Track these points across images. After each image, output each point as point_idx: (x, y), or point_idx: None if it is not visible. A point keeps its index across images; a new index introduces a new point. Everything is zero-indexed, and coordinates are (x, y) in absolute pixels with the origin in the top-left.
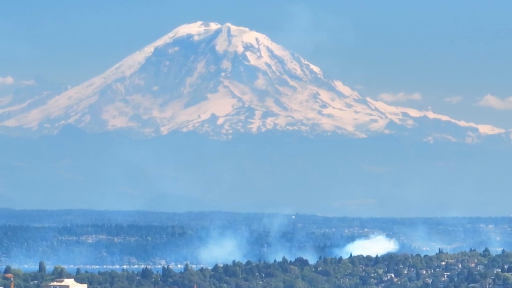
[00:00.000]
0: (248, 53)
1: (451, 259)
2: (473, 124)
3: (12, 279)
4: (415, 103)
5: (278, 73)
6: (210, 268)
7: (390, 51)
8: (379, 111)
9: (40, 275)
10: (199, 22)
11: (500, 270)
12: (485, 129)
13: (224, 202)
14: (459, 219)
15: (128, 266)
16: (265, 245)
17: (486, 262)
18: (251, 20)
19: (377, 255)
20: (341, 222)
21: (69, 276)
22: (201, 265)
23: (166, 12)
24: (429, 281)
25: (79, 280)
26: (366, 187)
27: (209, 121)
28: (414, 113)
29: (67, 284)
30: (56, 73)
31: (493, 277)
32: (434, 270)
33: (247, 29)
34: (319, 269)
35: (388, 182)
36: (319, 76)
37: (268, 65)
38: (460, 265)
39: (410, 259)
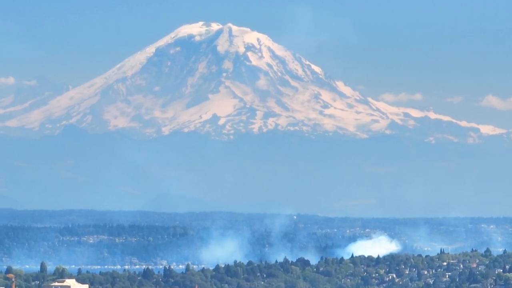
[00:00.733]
0: (249, 54)
1: (453, 260)
2: (474, 125)
3: (13, 279)
4: (416, 104)
5: (279, 74)
6: (211, 268)
7: (392, 52)
8: (380, 112)
9: (42, 275)
10: (201, 23)
11: (501, 270)
12: (487, 129)
13: (225, 203)
14: (461, 220)
15: (129, 266)
16: (267, 246)
17: (487, 262)
18: (253, 21)
19: (378, 256)
20: (343, 222)
21: (70, 276)
22: (203, 266)
23: (168, 13)
24: (431, 281)
25: (80, 280)
26: (367, 188)
27: (211, 121)
28: (415, 113)
29: (68, 284)
30: (58, 73)
31: (494, 278)
32: (436, 270)
33: (248, 29)
34: (320, 269)
35: (390, 183)
36: (320, 76)
37: (270, 66)
38: (461, 266)
39: (412, 260)
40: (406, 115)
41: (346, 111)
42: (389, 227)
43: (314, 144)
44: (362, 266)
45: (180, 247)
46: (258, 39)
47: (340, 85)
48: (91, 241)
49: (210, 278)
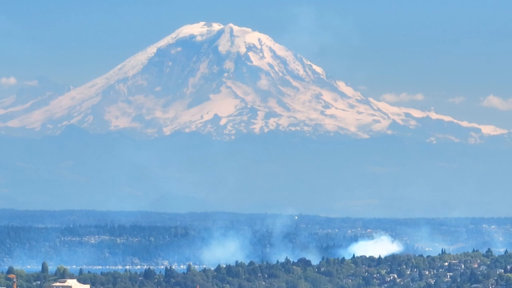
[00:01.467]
0: (250, 54)
1: (454, 260)
2: (475, 125)
3: (15, 279)
4: (418, 104)
5: (280, 74)
6: (212, 268)
7: (393, 52)
8: (382, 112)
9: (43, 275)
10: (202, 23)
11: (503, 270)
12: (488, 129)
13: (227, 203)
14: (462, 220)
15: (130, 266)
16: (268, 246)
17: (489, 262)
18: (254, 21)
19: (380, 256)
20: (344, 222)
21: (71, 276)
22: (204, 266)
23: (169, 13)
24: (432, 281)
25: (81, 280)
26: (369, 188)
27: (212, 121)
28: (416, 113)
29: (69, 284)
30: (59, 73)
31: (495, 278)
32: (437, 270)
33: (249, 29)
34: (322, 269)
35: (391, 183)
36: (321, 76)
37: (271, 66)
38: (463, 266)
39: (413, 260)
40: (408, 115)
41: (347, 111)
42: (391, 227)
43: (316, 144)
44: (364, 266)
45: (182, 247)
46: (259, 39)
47: (342, 85)
48: (92, 242)
49: (212, 278)
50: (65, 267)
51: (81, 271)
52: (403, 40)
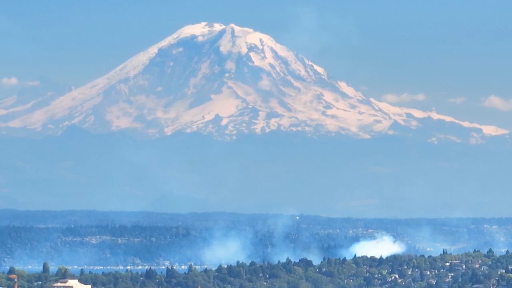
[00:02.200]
0: (252, 54)
1: (455, 260)
2: (477, 125)
3: (16, 280)
4: (419, 104)
5: (282, 74)
6: (214, 269)
7: (394, 52)
8: (383, 112)
9: (44, 276)
10: (203, 23)
11: (504, 271)
12: (489, 129)
13: (228, 203)
14: (463, 220)
15: (132, 267)
16: (269, 246)
17: (490, 262)
18: (255, 21)
19: (381, 256)
20: (345, 223)
21: (73, 277)
22: (205, 266)
23: (170, 13)
24: (433, 282)
25: (83, 281)
26: (370, 188)
27: (213, 122)
28: (418, 114)
29: (71, 285)
30: (60, 74)
31: (497, 278)
32: (438, 271)
33: (251, 30)
34: (323, 270)
35: (392, 183)
36: (323, 77)
37: (272, 66)
38: (464, 266)
39: (414, 260)
40: (409, 115)
41: (348, 112)
42: (392, 227)
43: (317, 145)
44: (365, 266)
45: (183, 247)
46: (260, 40)
47: (343, 86)
48: (93, 242)
49: (213, 278)
50: (66, 267)
51: (82, 271)
52: (404, 40)
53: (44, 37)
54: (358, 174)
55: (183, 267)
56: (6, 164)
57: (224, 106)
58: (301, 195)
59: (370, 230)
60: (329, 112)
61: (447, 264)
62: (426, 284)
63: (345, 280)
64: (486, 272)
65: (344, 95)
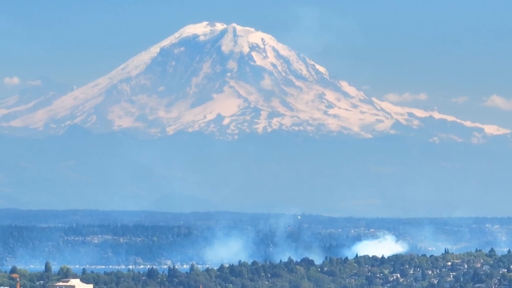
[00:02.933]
0: (253, 53)
1: (457, 259)
2: (479, 125)
3: (18, 279)
4: (421, 103)
5: (283, 74)
6: (216, 268)
7: (396, 52)
8: (385, 112)
9: (46, 275)
10: (205, 22)
11: (506, 270)
12: (491, 129)
13: (230, 202)
14: (465, 219)
15: (134, 266)
16: (271, 245)
17: (492, 262)
18: (257, 21)
19: (383, 256)
20: (347, 222)
21: (75, 276)
22: (207, 265)
23: (172, 12)
24: (435, 281)
25: (85, 280)
26: (371, 187)
27: (215, 121)
28: (420, 113)
29: (73, 284)
30: (62, 73)
31: (498, 277)
32: (440, 270)
33: (252, 29)
34: (325, 269)
35: (394, 183)
36: (324, 76)
37: (274, 65)
38: (466, 265)
39: (416, 259)
40: (411, 115)
41: (350, 111)
42: (394, 227)
43: (319, 144)
44: (367, 266)
45: (185, 247)
46: (262, 39)
47: (345, 85)
48: (95, 241)
49: (215, 278)
50: (68, 266)
51: (84, 270)
52: (406, 40)
53: (46, 37)
54: (360, 173)
55: (185, 266)
56: (8, 164)
57: (226, 106)
58: (303, 194)
59: (372, 230)
60: (331, 111)
61: (449, 263)
62: (427, 283)
63: (347, 280)
64: (488, 271)
65: (346, 95)
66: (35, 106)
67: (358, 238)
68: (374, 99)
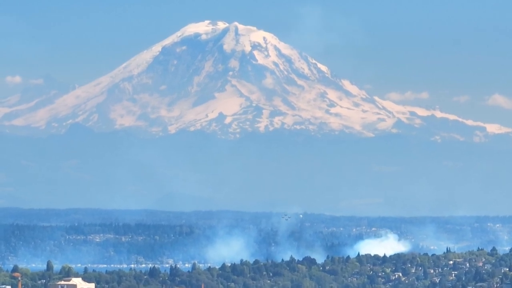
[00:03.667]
0: (255, 52)
1: (459, 258)
2: (480, 123)
3: (19, 278)
4: (422, 102)
5: (285, 72)
6: (217, 267)
7: (398, 51)
8: (386, 110)
9: (48, 274)
10: (207, 21)
11: (507, 269)
12: (493, 128)
13: (231, 201)
14: (467, 218)
15: (135, 265)
16: (273, 244)
17: (493, 261)
18: (259, 19)
19: (384, 254)
20: (349, 221)
21: (76, 275)
22: (209, 264)
23: (174, 11)
24: (437, 280)
25: (86, 279)
26: (373, 186)
27: (217, 120)
28: (421, 112)
29: (74, 283)
30: (64, 72)
31: (500, 276)
32: (442, 269)
33: (254, 28)
34: (326, 268)
35: (396, 181)
36: (326, 75)
37: (276, 64)
38: (467, 264)
39: (418, 258)
40: (412, 114)
41: (352, 110)
42: (396, 225)
43: (320, 143)
44: (368, 265)
45: (186, 246)
46: (264, 38)
47: (346, 84)
48: (97, 240)
49: (216, 277)
50: (70, 265)
51: (86, 269)
52: (408, 39)
53: (48, 36)
54: (362, 172)
55: (186, 265)
56: (10, 163)
57: (228, 105)
58: (305, 193)
59: (374, 229)
60: (332, 110)
61: (451, 262)
62: (429, 282)
63: (349, 279)
64: (490, 270)
65: (348, 94)
66: (37, 105)
67: (360, 237)
68: (376, 98)
